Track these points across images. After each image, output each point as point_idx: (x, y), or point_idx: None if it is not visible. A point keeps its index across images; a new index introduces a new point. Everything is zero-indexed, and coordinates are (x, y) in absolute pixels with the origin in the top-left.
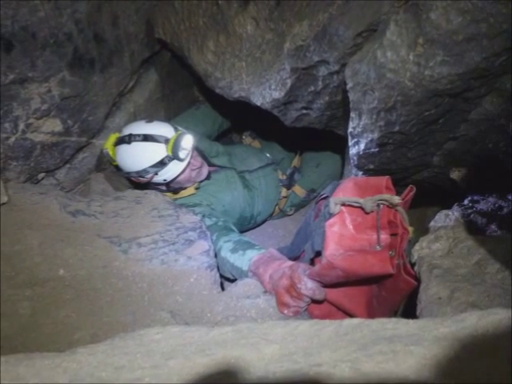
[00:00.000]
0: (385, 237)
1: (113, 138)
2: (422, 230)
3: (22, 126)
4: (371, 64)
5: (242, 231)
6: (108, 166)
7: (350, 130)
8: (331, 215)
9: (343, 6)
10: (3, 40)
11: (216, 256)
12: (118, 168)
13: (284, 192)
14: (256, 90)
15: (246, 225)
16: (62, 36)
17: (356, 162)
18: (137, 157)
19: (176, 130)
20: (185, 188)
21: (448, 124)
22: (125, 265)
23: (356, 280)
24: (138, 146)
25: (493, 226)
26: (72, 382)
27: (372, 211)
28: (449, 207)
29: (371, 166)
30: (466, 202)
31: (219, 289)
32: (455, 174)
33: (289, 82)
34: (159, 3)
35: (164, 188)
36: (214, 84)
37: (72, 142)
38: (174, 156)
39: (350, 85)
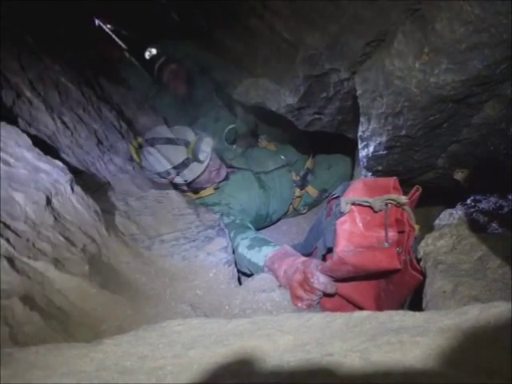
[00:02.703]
0: (392, 234)
1: (137, 141)
2: (428, 227)
3: None
4: (380, 72)
5: (258, 229)
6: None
7: (359, 133)
8: (342, 214)
9: (353, 17)
10: None
11: (234, 252)
12: (141, 169)
13: (298, 192)
14: (271, 96)
15: (262, 223)
16: None
17: (365, 164)
18: (159, 159)
19: (196, 133)
20: (204, 188)
21: (452, 128)
22: (148, 260)
23: (365, 275)
24: (160, 149)
25: (494, 224)
26: (98, 370)
27: (380, 210)
28: (452, 206)
29: (379, 168)
30: (468, 201)
31: (237, 283)
32: (459, 175)
33: (302, 89)
34: None
35: (185, 188)
36: (232, 90)
37: None
38: (195, 158)
39: (359, 91)
